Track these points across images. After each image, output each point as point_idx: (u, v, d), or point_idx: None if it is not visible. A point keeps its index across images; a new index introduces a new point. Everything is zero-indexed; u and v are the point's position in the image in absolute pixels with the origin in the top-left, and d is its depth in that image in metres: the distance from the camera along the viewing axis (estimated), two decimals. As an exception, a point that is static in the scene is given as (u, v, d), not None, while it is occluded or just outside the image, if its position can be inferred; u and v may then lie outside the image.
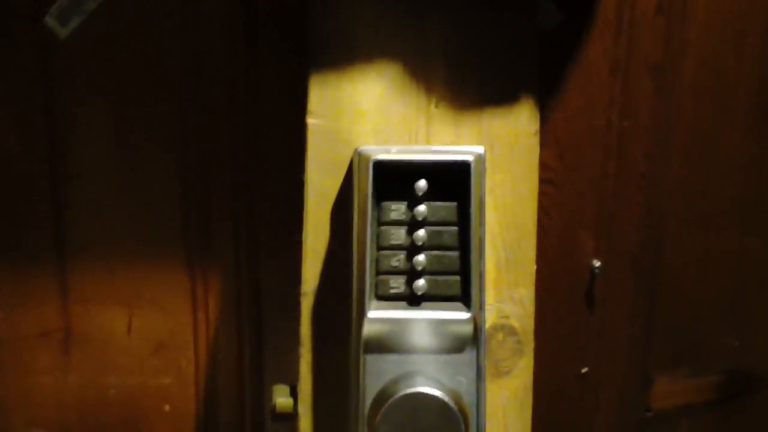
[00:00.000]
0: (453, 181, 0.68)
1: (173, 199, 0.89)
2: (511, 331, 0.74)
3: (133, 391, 0.93)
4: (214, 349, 0.93)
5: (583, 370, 0.96)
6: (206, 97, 0.87)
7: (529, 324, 0.74)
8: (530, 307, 0.74)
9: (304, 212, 0.73)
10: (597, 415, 0.98)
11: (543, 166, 0.89)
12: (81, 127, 0.87)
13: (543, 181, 0.89)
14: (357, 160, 0.70)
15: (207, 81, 0.87)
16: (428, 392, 0.65)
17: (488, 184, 0.73)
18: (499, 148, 0.74)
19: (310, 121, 0.73)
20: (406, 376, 0.67)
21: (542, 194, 0.89)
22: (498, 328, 0.74)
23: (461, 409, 0.65)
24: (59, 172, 0.88)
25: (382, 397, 0.66)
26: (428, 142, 0.74)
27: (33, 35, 0.84)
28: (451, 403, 0.64)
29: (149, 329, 0.92)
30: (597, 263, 0.93)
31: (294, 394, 0.76)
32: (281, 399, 0.76)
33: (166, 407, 0.94)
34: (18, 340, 0.91)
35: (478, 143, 0.73)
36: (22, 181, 0.88)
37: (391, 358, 0.68)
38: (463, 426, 0.64)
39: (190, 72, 0.87)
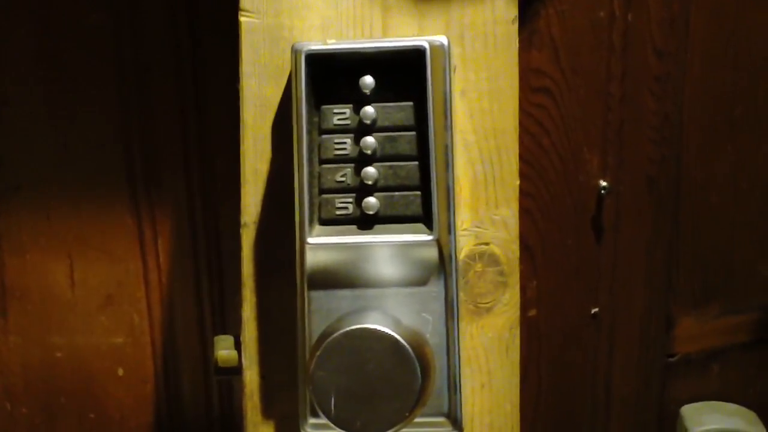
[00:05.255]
0: (409, 78, 0.58)
1: (113, 126, 0.78)
2: (493, 260, 0.62)
3: (81, 352, 0.82)
4: (169, 300, 0.81)
5: (594, 311, 0.83)
6: (143, 3, 0.76)
7: (514, 251, 0.62)
8: (514, 231, 0.62)
9: (241, 126, 0.62)
10: (612, 362, 0.86)
11: (537, 72, 0.77)
12: None
13: (538, 90, 0.78)
14: (293, 58, 0.58)
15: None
16: (374, 329, 0.52)
17: (460, 84, 0.62)
18: (471, 41, 0.62)
19: (243, 18, 0.62)
20: (355, 313, 0.55)
21: (537, 106, 0.78)
22: (476, 256, 0.62)
23: (419, 351, 0.53)
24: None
25: (322, 338, 0.53)
26: (385, 36, 0.62)
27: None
28: (405, 343, 0.52)
29: (94, 280, 0.81)
30: (604, 183, 0.80)
31: (238, 345, 0.65)
32: (224, 351, 0.65)
33: (120, 371, 0.82)
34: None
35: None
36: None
37: (341, 293, 0.58)
38: (419, 370, 0.52)
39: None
